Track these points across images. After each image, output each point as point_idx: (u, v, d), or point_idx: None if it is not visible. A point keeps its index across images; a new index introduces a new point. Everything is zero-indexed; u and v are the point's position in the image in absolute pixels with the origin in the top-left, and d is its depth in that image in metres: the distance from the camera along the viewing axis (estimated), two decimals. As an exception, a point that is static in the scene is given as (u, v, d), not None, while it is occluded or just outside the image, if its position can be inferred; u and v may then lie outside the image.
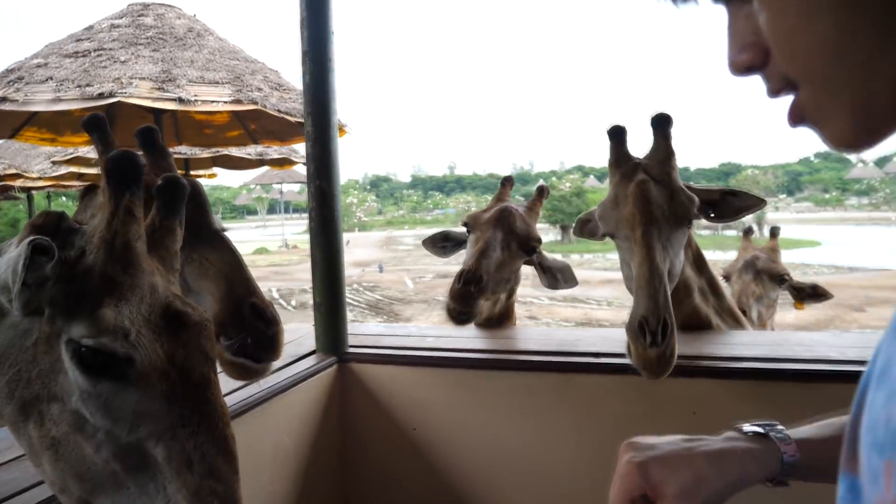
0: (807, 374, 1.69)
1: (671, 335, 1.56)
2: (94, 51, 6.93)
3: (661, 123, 1.79)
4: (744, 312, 2.68)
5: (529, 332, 2.22)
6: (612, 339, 2.01)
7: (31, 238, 0.87)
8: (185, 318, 0.93)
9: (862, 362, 1.65)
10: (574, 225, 2.15)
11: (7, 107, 5.66)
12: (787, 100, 0.57)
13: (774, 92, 0.58)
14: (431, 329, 2.40)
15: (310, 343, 2.13)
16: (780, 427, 0.89)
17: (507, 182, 2.25)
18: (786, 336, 2.05)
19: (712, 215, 1.90)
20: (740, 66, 0.58)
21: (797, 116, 0.56)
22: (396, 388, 2.03)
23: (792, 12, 0.51)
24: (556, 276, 2.20)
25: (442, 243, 2.26)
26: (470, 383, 1.97)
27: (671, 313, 1.57)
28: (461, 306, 1.85)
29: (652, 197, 1.69)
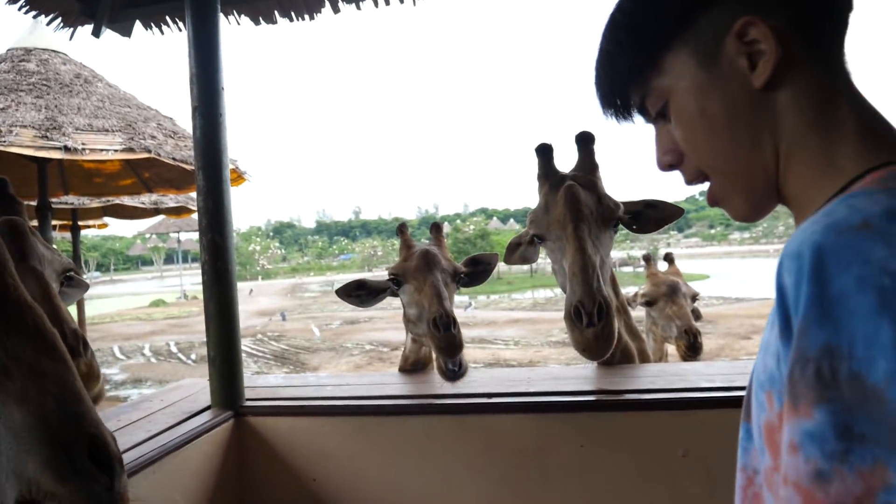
0: (680, 402, 1.81)
1: (608, 316, 1.64)
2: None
3: (585, 140, 2.02)
4: (696, 335, 2.77)
5: (427, 376, 2.25)
6: (503, 380, 2.08)
7: None
8: None
9: (728, 388, 1.80)
10: (505, 252, 2.25)
11: None
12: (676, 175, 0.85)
13: (690, 181, 0.83)
14: (330, 378, 2.39)
15: (205, 398, 2.09)
16: None
17: (403, 228, 2.29)
18: (663, 368, 2.18)
19: (635, 227, 2.05)
20: (665, 164, 0.85)
21: (712, 199, 0.82)
22: (295, 440, 2.01)
23: (696, 130, 0.77)
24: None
25: (356, 292, 2.23)
26: (369, 430, 1.98)
27: (606, 297, 1.66)
28: (453, 354, 1.83)
29: (581, 197, 1.84)
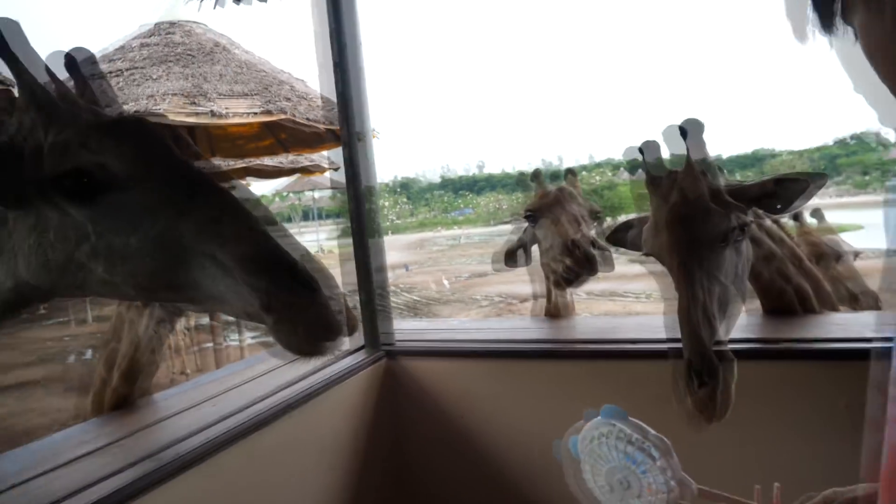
0: (838, 352, 1.71)
1: (717, 378, 1.44)
2: (127, 70, 7.14)
3: (691, 131, 1.65)
4: (876, 298, 2.58)
5: (569, 322, 2.26)
6: (649, 326, 2.05)
7: None
8: (129, 119, 1.04)
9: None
10: (609, 232, 2.01)
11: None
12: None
13: None
14: (473, 323, 2.47)
15: (357, 339, 2.22)
16: None
17: (538, 174, 2.31)
18: (823, 318, 2.05)
19: (779, 207, 1.72)
20: None
21: None
22: (442, 380, 2.11)
23: None
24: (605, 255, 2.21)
25: (510, 261, 2.29)
26: (512, 372, 2.04)
27: (715, 360, 1.45)
28: (591, 272, 1.90)
29: (688, 224, 1.57)
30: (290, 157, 9.96)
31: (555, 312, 2.31)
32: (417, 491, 2.17)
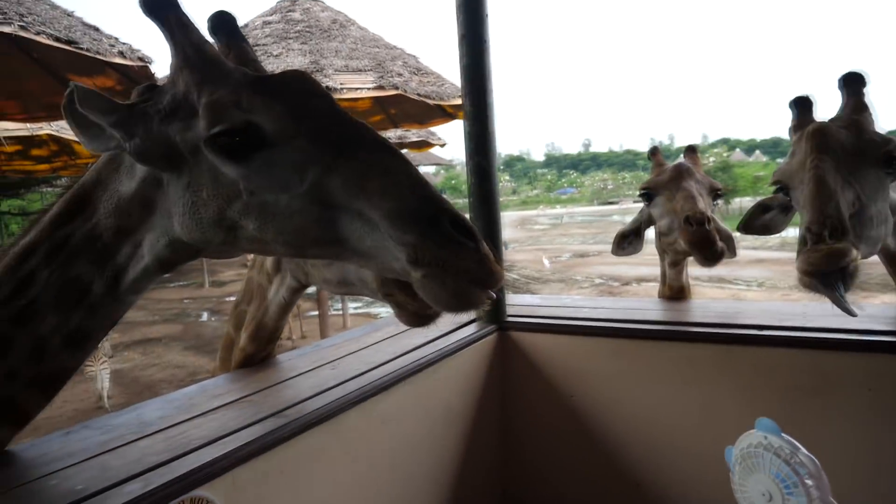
0: None
1: (842, 235, 1.36)
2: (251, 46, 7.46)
3: (851, 83, 1.61)
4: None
5: (688, 304, 2.18)
6: (775, 312, 1.94)
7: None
8: (280, 76, 1.07)
9: None
10: (744, 218, 1.89)
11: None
12: None
13: None
14: (585, 300, 2.42)
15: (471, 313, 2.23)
16: None
17: (656, 151, 2.25)
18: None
19: None
20: None
21: None
22: (554, 356, 2.09)
23: None
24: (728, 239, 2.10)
25: (625, 243, 2.26)
26: (627, 352, 1.99)
27: (845, 222, 1.38)
28: (707, 248, 1.87)
29: (830, 131, 1.53)
30: (399, 132, 10.12)
31: (669, 294, 2.24)
32: (524, 465, 2.18)
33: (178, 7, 1.05)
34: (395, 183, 0.94)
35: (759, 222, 1.85)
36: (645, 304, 2.22)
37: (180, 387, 1.25)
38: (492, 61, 2.07)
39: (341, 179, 0.95)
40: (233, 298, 1.97)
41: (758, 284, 15.86)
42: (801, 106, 1.67)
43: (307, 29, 7.87)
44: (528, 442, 2.16)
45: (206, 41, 1.08)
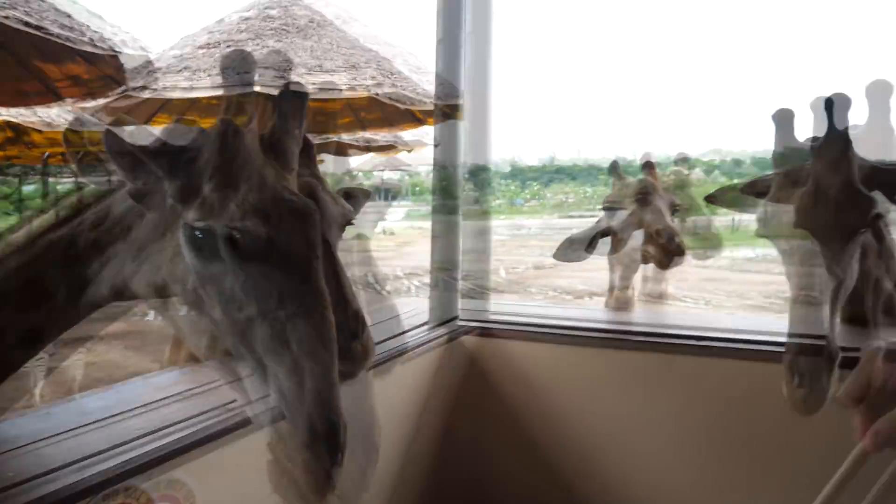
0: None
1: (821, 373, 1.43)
2: (224, 42, 7.33)
3: (832, 107, 1.49)
4: None
5: (632, 314, 2.28)
6: (713, 321, 2.02)
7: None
8: (290, 205, 1.01)
9: None
10: (714, 193, 1.97)
11: (146, 94, 6.11)
12: None
13: None
14: (540, 305, 2.48)
15: (423, 317, 2.28)
16: None
17: (616, 165, 2.38)
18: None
19: None
20: None
21: None
22: (510, 362, 2.14)
23: None
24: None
25: (570, 250, 2.29)
26: (574, 358, 2.06)
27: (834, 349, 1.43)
28: (677, 256, 2.02)
29: (816, 215, 1.49)
30: (367, 135, 10.08)
31: (616, 305, 2.33)
32: (470, 469, 2.21)
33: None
34: (309, 370, 0.94)
35: (726, 198, 1.92)
36: (593, 314, 2.31)
37: (89, 422, 1.26)
38: (465, 70, 2.13)
39: (268, 331, 0.95)
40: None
41: (705, 302, 16.18)
42: (783, 123, 1.61)
43: (283, 27, 7.80)
44: (474, 443, 2.20)
45: (244, 150, 1.04)
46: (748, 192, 1.79)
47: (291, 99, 1.13)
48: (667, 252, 2.04)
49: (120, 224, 1.13)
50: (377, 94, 6.80)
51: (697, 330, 1.97)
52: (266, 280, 0.96)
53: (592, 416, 2.00)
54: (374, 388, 1.81)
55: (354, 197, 1.60)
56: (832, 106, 1.47)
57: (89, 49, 5.07)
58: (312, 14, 8.20)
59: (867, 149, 1.58)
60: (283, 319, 0.95)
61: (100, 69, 5.78)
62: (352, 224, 1.50)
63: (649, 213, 2.11)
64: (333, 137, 10.13)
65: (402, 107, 7.07)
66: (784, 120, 1.56)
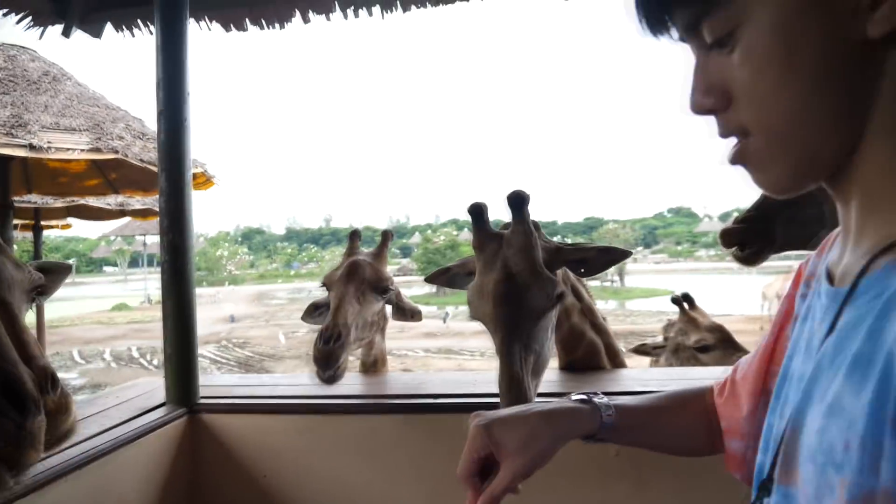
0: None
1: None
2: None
3: (517, 203, 1.68)
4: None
5: (380, 379, 2.33)
6: (451, 382, 2.17)
7: None
8: None
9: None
10: (432, 275, 2.08)
11: None
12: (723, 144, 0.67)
13: (725, 134, 0.66)
14: (284, 378, 2.46)
15: (160, 396, 2.13)
16: (601, 395, 1.04)
17: (355, 235, 2.33)
18: (619, 373, 2.27)
19: (583, 271, 1.89)
20: (702, 108, 0.66)
21: (737, 159, 0.66)
22: (247, 436, 2.06)
23: (770, 75, 0.59)
24: (407, 314, 2.33)
25: (316, 312, 2.30)
26: (317, 427, 2.05)
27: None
28: (325, 368, 1.90)
29: (511, 299, 1.64)
30: (121, 198, 9.42)
31: (364, 369, 2.38)
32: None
33: None
34: None
35: (439, 279, 2.04)
36: (343, 380, 2.32)
37: None
38: (191, 139, 2.08)
39: None
40: None
41: (480, 354, 17.26)
42: (477, 216, 1.73)
43: (10, 78, 7.09)
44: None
45: None
46: (460, 271, 2.01)
47: None
48: (315, 359, 1.92)
49: None
50: (126, 156, 6.43)
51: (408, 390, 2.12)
52: None
53: (335, 480, 2.03)
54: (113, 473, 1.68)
55: (52, 271, 1.53)
56: (514, 201, 1.66)
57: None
58: (47, 67, 7.58)
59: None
60: None
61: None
62: (43, 294, 1.47)
63: (332, 305, 2.03)
64: (80, 200, 9.32)
65: (156, 169, 6.76)
66: (477, 211, 1.72)
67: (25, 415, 0.88)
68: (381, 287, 2.14)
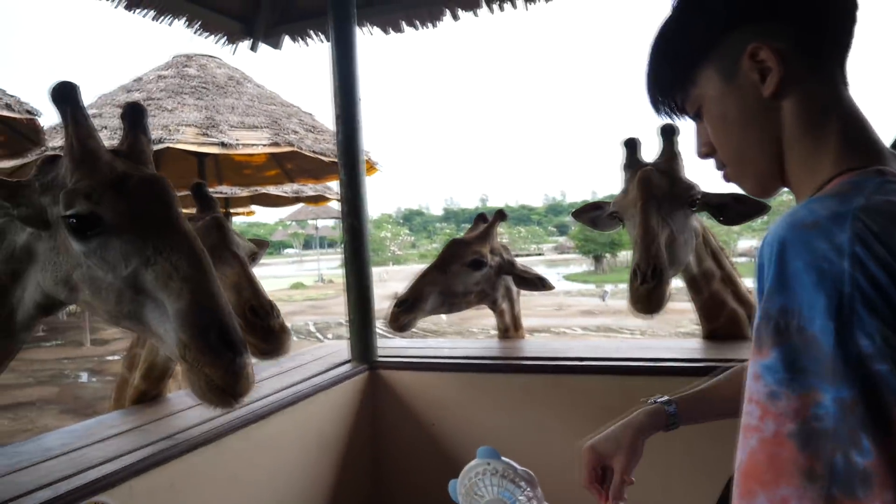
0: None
1: (660, 278, 1.92)
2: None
3: (667, 133, 2.17)
4: None
5: (531, 343, 2.59)
6: (595, 348, 2.37)
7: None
8: (138, 177, 1.27)
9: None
10: (580, 209, 2.49)
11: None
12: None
13: (719, 168, 1.01)
14: (447, 342, 2.78)
15: (345, 354, 2.54)
16: (664, 396, 1.35)
17: (479, 218, 2.70)
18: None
19: (721, 219, 2.22)
20: (702, 154, 1.03)
21: (727, 179, 1.00)
22: (417, 390, 2.41)
23: (721, 132, 0.95)
24: (531, 282, 2.55)
25: (592, 213, 2.51)
26: (477, 384, 2.34)
27: (663, 262, 1.93)
28: (393, 326, 2.36)
29: (653, 179, 2.07)
30: (295, 186, 10.27)
31: (500, 335, 2.65)
32: (392, 484, 2.47)
33: (77, 102, 1.28)
34: (189, 290, 1.16)
35: (585, 216, 2.46)
36: (494, 344, 2.61)
37: (54, 455, 1.49)
38: (363, 138, 2.46)
39: (153, 273, 1.18)
40: (116, 357, 2.20)
41: (640, 333, 16.83)
42: (630, 147, 2.23)
43: (203, 84, 7.99)
44: (396, 465, 2.45)
45: (94, 136, 1.29)
46: (592, 208, 2.46)
47: (134, 111, 1.41)
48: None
49: (27, 248, 1.34)
50: (300, 148, 7.09)
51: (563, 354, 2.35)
52: (139, 238, 1.19)
53: (491, 430, 2.27)
54: (305, 416, 2.08)
55: (258, 244, 2.06)
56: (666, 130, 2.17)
57: (4, 113, 5.24)
58: (231, 71, 8.44)
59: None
60: (163, 261, 1.18)
61: (18, 132, 5.90)
62: (254, 260, 1.98)
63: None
64: (261, 189, 10.27)
65: (326, 160, 7.38)
66: (631, 143, 2.24)
67: (235, 354, 1.15)
68: (471, 261, 2.43)
